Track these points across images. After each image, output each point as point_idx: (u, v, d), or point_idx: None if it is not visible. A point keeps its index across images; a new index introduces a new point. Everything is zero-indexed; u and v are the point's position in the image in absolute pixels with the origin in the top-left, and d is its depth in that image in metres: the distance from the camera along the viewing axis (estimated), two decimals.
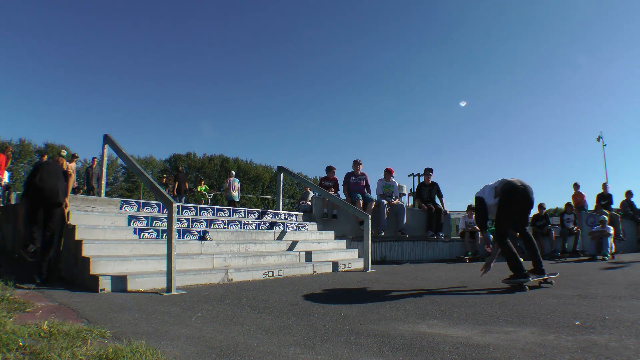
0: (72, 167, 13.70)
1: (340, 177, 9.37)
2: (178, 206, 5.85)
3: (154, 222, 5.58)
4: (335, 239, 7.79)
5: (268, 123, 79.32)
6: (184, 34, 73.80)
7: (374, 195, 9.24)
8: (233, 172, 15.69)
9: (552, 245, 9.74)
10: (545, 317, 3.10)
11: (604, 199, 11.38)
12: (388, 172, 9.43)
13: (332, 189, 9.01)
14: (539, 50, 75.18)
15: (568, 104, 75.30)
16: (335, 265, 6.47)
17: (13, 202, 12.99)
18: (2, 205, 11.76)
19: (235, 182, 14.38)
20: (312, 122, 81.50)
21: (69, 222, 4.72)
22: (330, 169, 9.41)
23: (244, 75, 78.47)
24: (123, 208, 5.64)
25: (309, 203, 9.66)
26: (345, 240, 7.82)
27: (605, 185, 11.88)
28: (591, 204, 11.61)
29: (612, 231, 9.14)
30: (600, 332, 2.63)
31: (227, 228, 6.39)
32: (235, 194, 14.17)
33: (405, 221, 8.85)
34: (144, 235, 5.25)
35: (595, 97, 74.15)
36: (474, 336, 2.57)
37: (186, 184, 16.12)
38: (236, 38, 77.60)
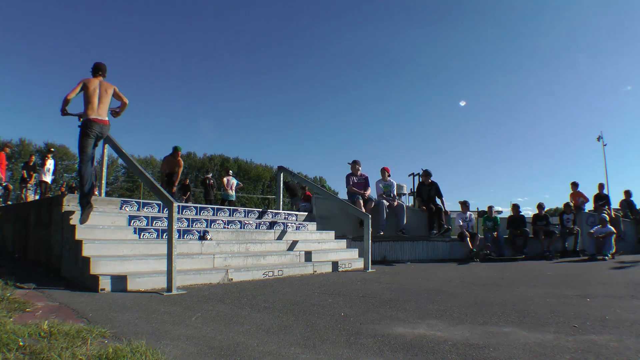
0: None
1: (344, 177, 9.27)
2: (178, 206, 5.84)
3: (154, 221, 5.57)
4: (335, 238, 7.78)
5: (269, 123, 79.73)
6: (185, 33, 73.87)
7: (373, 195, 9.22)
8: (231, 171, 15.16)
9: (549, 245, 9.61)
10: (546, 317, 3.11)
11: (601, 199, 11.35)
12: (384, 172, 9.40)
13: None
14: (539, 49, 75.21)
15: (568, 103, 75.41)
16: (335, 265, 6.46)
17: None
18: (2, 205, 11.77)
19: (233, 181, 14.14)
20: (313, 122, 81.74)
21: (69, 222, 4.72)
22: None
23: (245, 75, 78.85)
24: (123, 208, 5.63)
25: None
26: (345, 240, 7.80)
27: (601, 186, 11.84)
28: (589, 204, 11.59)
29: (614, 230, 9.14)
30: (600, 332, 2.64)
31: (227, 228, 6.38)
32: (232, 193, 13.87)
33: (405, 221, 8.83)
34: (144, 235, 5.24)
35: (596, 96, 74.24)
36: (474, 336, 2.58)
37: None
38: (237, 36, 77.67)
